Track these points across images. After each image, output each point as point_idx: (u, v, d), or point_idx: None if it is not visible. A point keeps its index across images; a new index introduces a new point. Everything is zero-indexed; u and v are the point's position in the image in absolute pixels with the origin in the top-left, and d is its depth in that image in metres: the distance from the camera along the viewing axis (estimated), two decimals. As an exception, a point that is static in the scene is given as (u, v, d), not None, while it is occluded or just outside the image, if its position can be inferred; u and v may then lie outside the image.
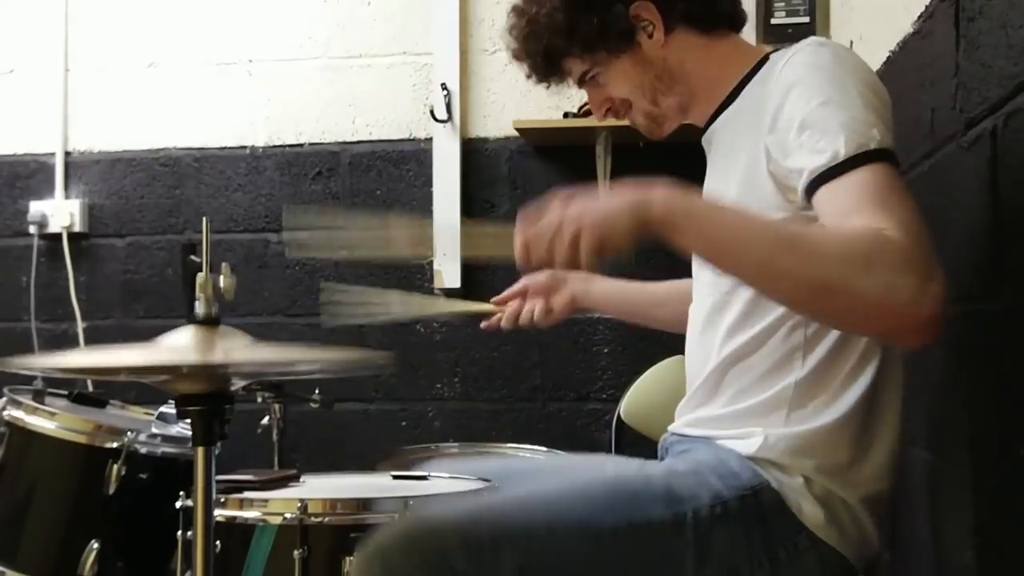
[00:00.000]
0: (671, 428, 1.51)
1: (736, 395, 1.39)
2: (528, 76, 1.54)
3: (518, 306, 1.75)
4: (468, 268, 2.85)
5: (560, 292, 1.74)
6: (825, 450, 1.33)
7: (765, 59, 1.45)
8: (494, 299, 1.79)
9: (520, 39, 1.51)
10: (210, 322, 1.30)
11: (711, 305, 1.42)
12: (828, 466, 1.32)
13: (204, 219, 1.36)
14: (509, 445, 2.41)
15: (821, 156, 1.22)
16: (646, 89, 1.49)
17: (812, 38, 1.38)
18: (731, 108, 1.47)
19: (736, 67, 1.47)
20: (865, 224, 1.15)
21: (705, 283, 1.46)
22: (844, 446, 1.33)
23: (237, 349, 1.30)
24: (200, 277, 1.31)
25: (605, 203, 1.22)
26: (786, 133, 1.28)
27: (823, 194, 1.22)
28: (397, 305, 1.80)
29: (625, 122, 2.58)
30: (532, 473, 1.72)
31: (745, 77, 1.46)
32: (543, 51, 1.49)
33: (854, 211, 1.18)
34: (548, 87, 1.55)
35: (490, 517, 1.31)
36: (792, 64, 1.33)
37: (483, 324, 1.80)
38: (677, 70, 1.48)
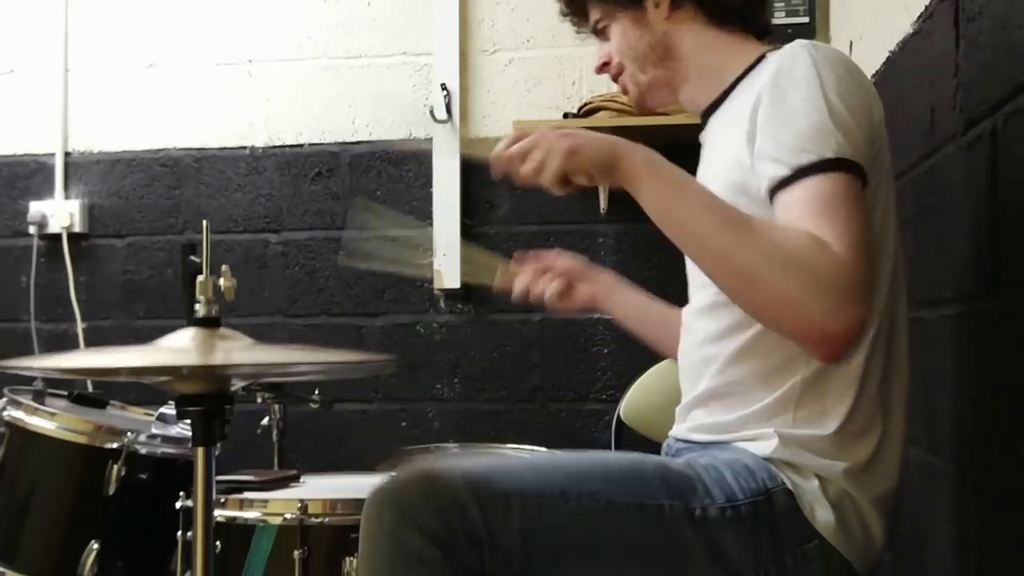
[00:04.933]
0: (675, 433, 1.50)
1: (742, 398, 1.38)
2: (561, 13, 1.59)
3: (534, 276, 1.68)
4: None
5: (584, 284, 1.70)
6: (839, 449, 1.32)
7: (762, 58, 1.45)
8: (516, 259, 1.69)
9: None
10: (210, 323, 1.30)
11: (709, 304, 1.42)
12: (844, 466, 1.32)
13: (204, 222, 1.36)
14: (509, 445, 2.41)
15: (777, 165, 1.26)
16: (638, 54, 1.50)
17: (798, 41, 1.37)
18: (723, 105, 1.48)
19: (733, 63, 1.47)
20: (809, 231, 1.19)
21: (700, 283, 1.45)
22: (859, 446, 1.33)
23: (237, 351, 1.30)
24: (200, 279, 1.31)
25: (586, 135, 1.30)
26: (759, 139, 1.30)
27: (777, 203, 1.26)
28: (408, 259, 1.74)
29: (625, 123, 2.61)
30: None
31: (741, 75, 1.46)
32: None
33: (798, 221, 1.22)
34: (577, 30, 1.58)
35: (504, 473, 1.31)
36: (769, 68, 1.34)
37: (496, 283, 1.70)
38: (673, 47, 1.49)
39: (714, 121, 1.50)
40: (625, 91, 1.56)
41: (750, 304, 1.26)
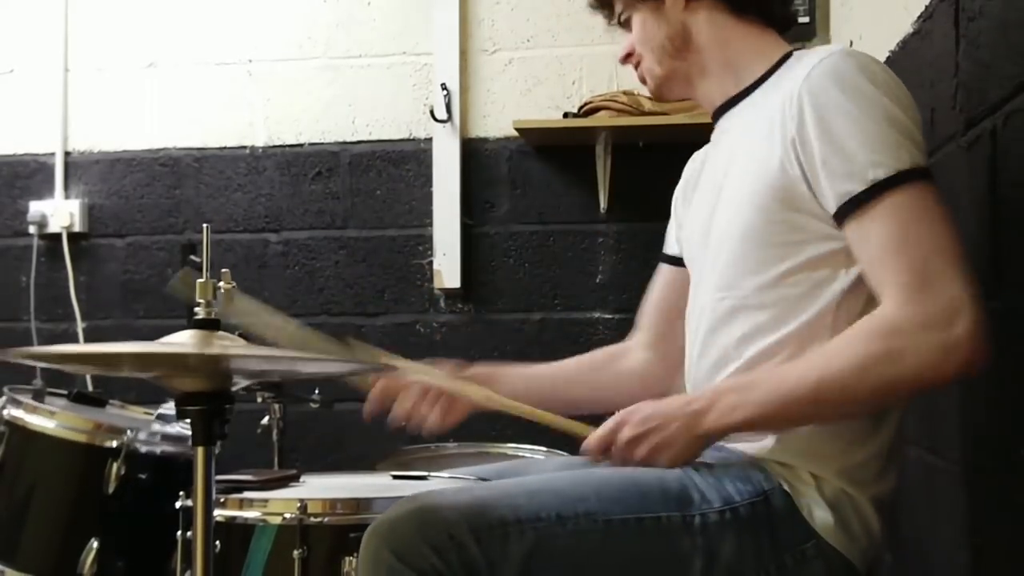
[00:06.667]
0: None
1: None
2: (589, 6, 1.59)
3: (414, 404, 1.68)
4: (468, 268, 2.85)
5: (460, 400, 1.70)
6: (834, 448, 1.32)
7: (788, 56, 1.43)
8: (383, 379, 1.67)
9: None
10: (209, 326, 1.30)
11: (729, 307, 1.39)
12: (840, 466, 1.32)
13: (204, 226, 1.36)
14: (509, 445, 2.41)
15: (849, 181, 1.25)
16: (655, 46, 1.49)
17: (839, 47, 1.37)
18: (747, 101, 1.45)
19: (754, 58, 1.45)
20: (879, 311, 1.24)
21: (715, 285, 1.42)
22: (855, 445, 1.33)
23: (237, 348, 1.30)
24: (200, 282, 1.31)
25: (659, 432, 1.33)
26: (815, 153, 1.27)
27: (852, 230, 1.27)
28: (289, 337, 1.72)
29: (625, 122, 2.61)
30: (534, 472, 1.72)
31: (765, 74, 1.43)
32: None
33: (877, 263, 1.25)
34: (609, 22, 1.57)
35: (499, 502, 1.30)
36: (816, 75, 1.30)
37: (365, 409, 1.68)
38: (692, 39, 1.47)
39: (734, 119, 1.47)
40: (644, 81, 1.55)
41: (907, 396, 1.35)
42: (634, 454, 1.34)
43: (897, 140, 1.24)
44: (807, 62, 1.33)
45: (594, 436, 1.38)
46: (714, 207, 1.46)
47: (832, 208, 1.27)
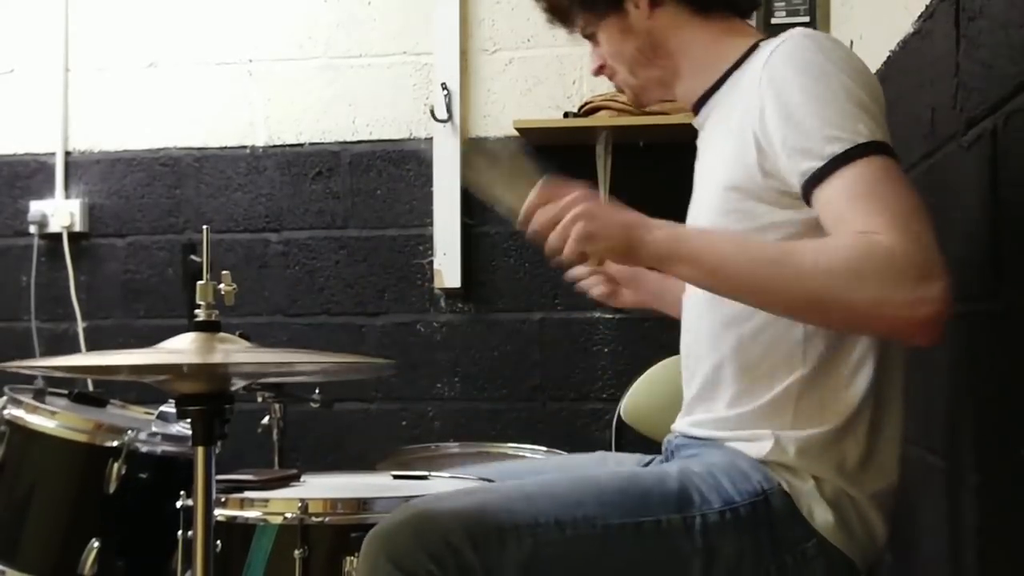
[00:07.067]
0: (675, 428, 1.51)
1: (740, 394, 1.38)
2: (547, 21, 1.58)
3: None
4: (468, 268, 2.85)
5: (631, 290, 1.74)
6: (835, 449, 1.32)
7: (756, 46, 1.43)
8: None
9: None
10: (210, 328, 1.30)
11: (707, 295, 1.40)
12: (839, 465, 1.32)
13: (204, 227, 1.36)
14: (509, 445, 2.42)
15: (807, 158, 1.23)
16: (626, 58, 1.49)
17: (799, 29, 1.35)
18: (719, 93, 1.45)
19: (727, 51, 1.45)
20: (857, 230, 1.17)
21: None
22: (854, 444, 1.33)
23: (236, 352, 1.30)
24: (200, 284, 1.31)
25: (604, 219, 1.27)
26: (773, 134, 1.28)
27: (817, 199, 1.23)
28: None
29: (625, 122, 2.61)
30: (535, 472, 1.72)
31: (736, 63, 1.43)
32: (550, 3, 1.55)
33: (847, 213, 1.19)
34: (569, 32, 1.57)
35: (496, 508, 1.30)
36: (775, 58, 1.31)
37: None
38: (661, 45, 1.47)
39: (709, 108, 1.48)
40: (622, 91, 1.57)
41: (833, 325, 1.27)
42: (568, 239, 1.27)
43: (854, 114, 1.23)
44: (768, 47, 1.34)
45: (543, 209, 1.30)
46: (697, 199, 1.49)
47: (797, 188, 1.26)
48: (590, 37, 1.53)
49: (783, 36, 1.35)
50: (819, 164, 1.22)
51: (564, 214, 1.28)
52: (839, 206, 1.20)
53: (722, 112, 1.43)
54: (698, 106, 1.50)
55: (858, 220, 1.17)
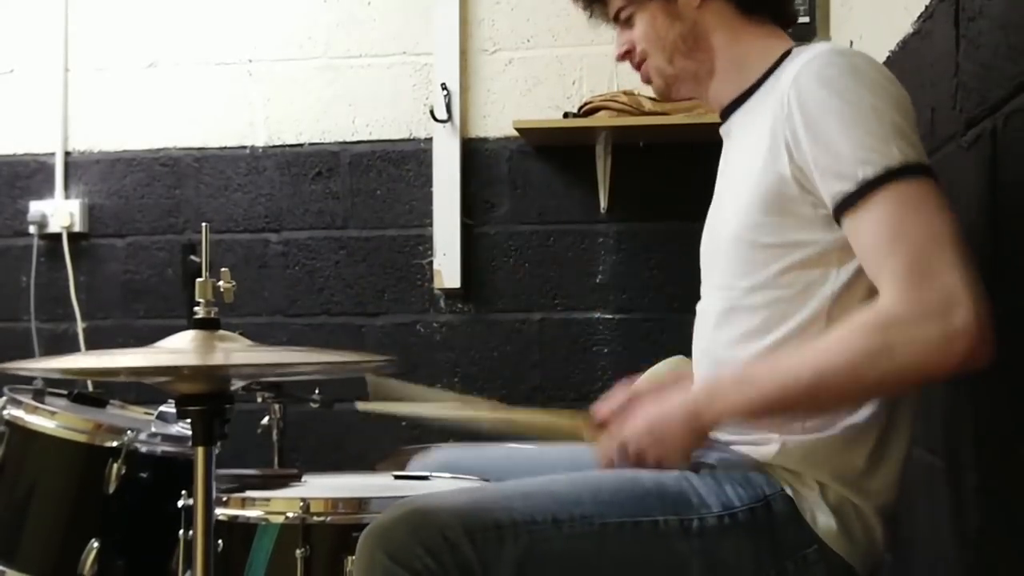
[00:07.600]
0: None
1: None
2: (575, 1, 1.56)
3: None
4: (468, 268, 2.85)
5: None
6: (841, 456, 1.32)
7: (787, 53, 1.42)
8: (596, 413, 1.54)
9: None
10: (209, 326, 1.30)
11: (724, 308, 1.40)
12: (843, 473, 1.31)
13: (204, 226, 1.36)
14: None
15: (840, 181, 1.23)
16: (667, 44, 1.46)
17: (828, 45, 1.35)
18: (750, 102, 1.44)
19: (762, 58, 1.43)
20: (872, 275, 1.23)
21: (715, 285, 1.43)
22: (861, 453, 1.32)
23: (236, 352, 1.30)
24: (199, 282, 1.31)
25: (660, 429, 1.35)
26: (807, 152, 1.27)
27: (848, 226, 1.25)
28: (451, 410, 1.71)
29: (625, 122, 2.61)
30: (536, 469, 1.71)
31: (766, 73, 1.42)
32: None
33: (869, 255, 1.23)
34: (590, 16, 1.55)
35: (494, 504, 1.30)
36: (803, 77, 1.29)
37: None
38: (703, 37, 1.45)
39: (738, 119, 1.46)
40: (647, 80, 1.53)
41: (892, 394, 1.32)
42: (644, 465, 1.36)
43: (886, 136, 1.22)
44: (798, 61, 1.33)
45: (603, 456, 1.41)
46: (718, 208, 1.47)
47: (829, 208, 1.26)
48: (626, 20, 1.50)
49: (811, 51, 1.33)
50: (851, 188, 1.22)
51: (625, 448, 1.37)
52: (864, 243, 1.24)
53: (750, 124, 1.41)
54: (726, 113, 1.48)
55: (879, 262, 1.22)
